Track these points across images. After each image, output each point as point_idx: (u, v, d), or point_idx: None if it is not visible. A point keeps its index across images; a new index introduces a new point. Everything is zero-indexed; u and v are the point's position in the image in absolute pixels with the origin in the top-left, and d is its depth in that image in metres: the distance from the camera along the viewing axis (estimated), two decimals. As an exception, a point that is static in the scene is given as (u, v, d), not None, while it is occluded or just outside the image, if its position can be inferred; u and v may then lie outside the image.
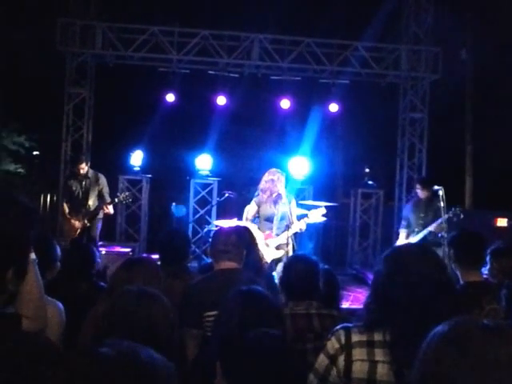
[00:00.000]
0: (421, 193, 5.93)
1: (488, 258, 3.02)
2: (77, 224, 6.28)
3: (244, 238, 2.87)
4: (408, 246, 2.02)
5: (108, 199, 6.41)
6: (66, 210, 6.43)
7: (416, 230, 5.91)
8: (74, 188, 6.41)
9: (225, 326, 1.75)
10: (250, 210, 5.38)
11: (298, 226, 5.20)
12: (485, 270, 3.24)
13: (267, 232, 5.28)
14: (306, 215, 5.43)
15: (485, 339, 0.87)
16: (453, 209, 5.64)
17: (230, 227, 2.98)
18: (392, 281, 1.52)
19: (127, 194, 6.50)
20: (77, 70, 8.53)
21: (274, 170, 5.43)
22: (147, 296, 1.58)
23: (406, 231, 6.10)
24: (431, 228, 5.66)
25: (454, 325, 0.92)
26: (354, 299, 6.66)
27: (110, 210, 6.32)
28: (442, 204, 5.41)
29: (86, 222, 6.29)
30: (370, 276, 8.16)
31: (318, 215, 5.37)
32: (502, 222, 9.75)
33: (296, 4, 10.26)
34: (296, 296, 2.49)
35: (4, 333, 1.41)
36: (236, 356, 1.48)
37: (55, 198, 8.01)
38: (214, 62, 8.73)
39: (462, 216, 5.59)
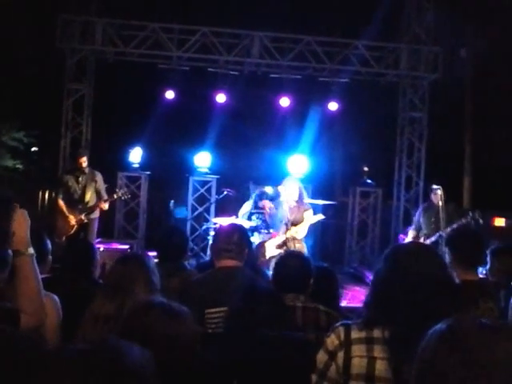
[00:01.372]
0: (434, 197, 5.85)
1: (489, 257, 3.03)
2: (73, 220, 6.26)
3: (246, 236, 2.89)
4: (408, 245, 2.03)
5: (105, 196, 6.43)
6: (63, 206, 6.39)
7: (427, 233, 5.88)
8: (69, 184, 6.41)
9: (237, 324, 1.76)
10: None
11: (294, 230, 5.33)
12: (483, 270, 3.25)
13: (273, 232, 5.44)
14: None
15: (482, 338, 0.88)
16: (470, 213, 5.49)
17: (231, 225, 2.99)
18: (391, 280, 1.53)
19: (125, 190, 6.50)
20: (76, 67, 8.52)
21: (288, 177, 5.98)
22: (175, 315, 1.50)
23: (414, 233, 6.15)
24: (443, 232, 5.48)
25: (452, 323, 0.93)
26: (351, 297, 6.67)
27: (105, 206, 6.35)
28: (440, 203, 5.40)
29: (82, 217, 6.29)
30: (368, 274, 8.17)
31: (314, 219, 5.50)
32: (499, 222, 9.77)
33: (296, 2, 10.24)
34: (285, 288, 2.51)
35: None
36: (251, 354, 1.48)
37: (53, 195, 8.00)
38: (213, 59, 8.71)
39: (481, 221, 5.42)
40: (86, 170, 6.43)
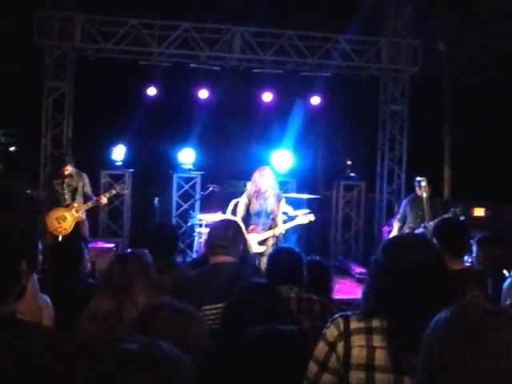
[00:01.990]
0: (419, 189, 5.95)
1: (475, 247, 3.10)
2: (68, 217, 6.17)
3: (241, 232, 2.90)
4: (405, 235, 2.08)
5: (93, 197, 6.37)
6: (51, 219, 6.23)
7: (413, 226, 5.98)
8: (58, 189, 6.30)
9: (235, 320, 1.78)
10: (241, 203, 5.42)
11: (282, 228, 5.29)
12: (468, 259, 3.34)
13: (253, 226, 5.35)
14: (293, 217, 5.54)
15: (488, 323, 0.90)
16: (452, 209, 5.65)
17: (226, 221, 2.99)
18: (388, 270, 1.57)
19: (123, 185, 6.44)
20: (56, 64, 8.36)
21: (263, 167, 5.51)
22: (185, 315, 1.54)
23: (399, 224, 6.27)
24: (428, 224, 5.59)
25: (456, 310, 0.95)
26: (337, 290, 6.75)
27: (105, 199, 6.33)
28: (425, 195, 5.49)
29: (79, 215, 6.23)
30: (353, 267, 8.27)
31: (305, 220, 5.48)
32: (479, 212, 9.98)
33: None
34: (279, 281, 2.55)
35: (6, 329, 1.40)
36: (248, 350, 1.49)
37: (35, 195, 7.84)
38: (195, 55, 8.67)
39: (463, 218, 5.57)
40: (73, 173, 6.34)
